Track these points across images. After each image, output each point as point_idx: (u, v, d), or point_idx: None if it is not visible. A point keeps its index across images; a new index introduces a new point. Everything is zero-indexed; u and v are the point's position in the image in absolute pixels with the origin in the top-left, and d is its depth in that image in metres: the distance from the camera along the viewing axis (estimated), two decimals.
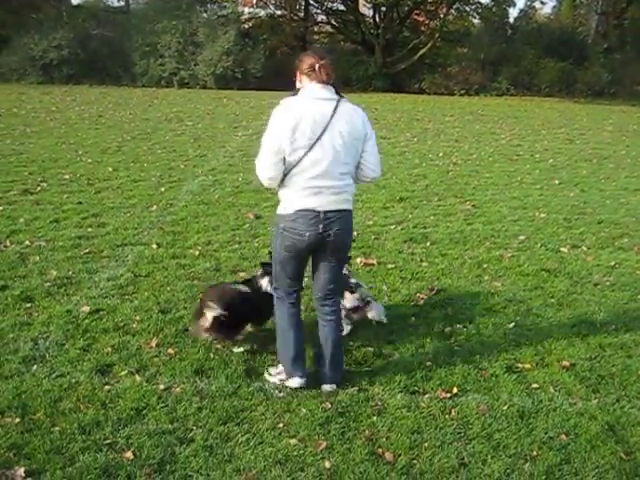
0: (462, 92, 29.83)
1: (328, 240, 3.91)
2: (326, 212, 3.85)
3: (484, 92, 30.07)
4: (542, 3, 57.18)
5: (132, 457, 3.43)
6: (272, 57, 30.08)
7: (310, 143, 3.76)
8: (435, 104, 24.46)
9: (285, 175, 3.86)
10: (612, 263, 6.76)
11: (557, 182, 10.75)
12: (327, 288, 4.14)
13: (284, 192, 3.94)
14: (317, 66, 3.82)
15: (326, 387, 4.14)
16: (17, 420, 3.69)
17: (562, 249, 7.17)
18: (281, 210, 3.97)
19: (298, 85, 3.95)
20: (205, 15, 30.55)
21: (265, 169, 3.88)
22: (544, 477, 3.39)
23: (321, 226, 3.86)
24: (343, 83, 29.51)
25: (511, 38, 34.18)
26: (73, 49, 26.86)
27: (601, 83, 31.18)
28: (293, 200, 3.90)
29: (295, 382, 4.13)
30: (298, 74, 3.92)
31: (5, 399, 3.89)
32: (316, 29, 37.37)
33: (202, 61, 27.28)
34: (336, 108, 3.82)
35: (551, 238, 7.56)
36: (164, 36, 27.64)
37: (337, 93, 3.92)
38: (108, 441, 3.55)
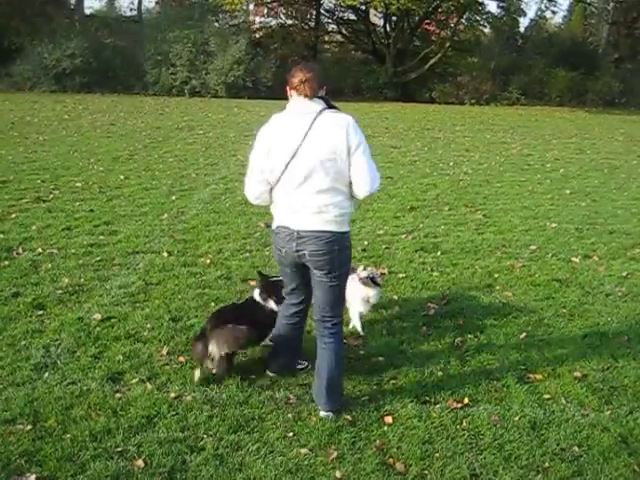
0: (473, 101, 29.79)
1: (305, 260, 3.87)
2: (299, 231, 3.80)
3: (495, 101, 30.02)
4: (553, 13, 57.10)
5: (143, 465, 3.44)
6: (283, 66, 30.04)
7: (286, 160, 3.73)
8: (446, 113, 24.45)
9: (271, 191, 3.88)
10: (624, 273, 6.72)
11: (568, 192, 10.71)
12: (322, 308, 4.01)
13: (272, 207, 4.00)
14: (303, 79, 3.76)
15: (322, 414, 3.98)
16: (29, 427, 3.71)
17: (573, 259, 7.14)
18: (272, 224, 4.04)
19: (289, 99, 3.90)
20: (217, 24, 30.68)
21: (249, 188, 3.96)
22: None
23: (294, 244, 3.83)
24: (353, 92, 29.65)
25: (522, 47, 34.20)
26: (86, 58, 26.96)
27: (612, 93, 31.09)
28: (275, 216, 3.97)
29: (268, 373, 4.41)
30: (288, 89, 3.86)
31: (17, 406, 3.91)
32: (327, 38, 37.44)
33: (213, 70, 27.37)
34: (313, 122, 3.73)
35: (562, 248, 7.53)
36: (176, 45, 27.76)
37: (328, 104, 3.87)
38: (119, 449, 3.56)
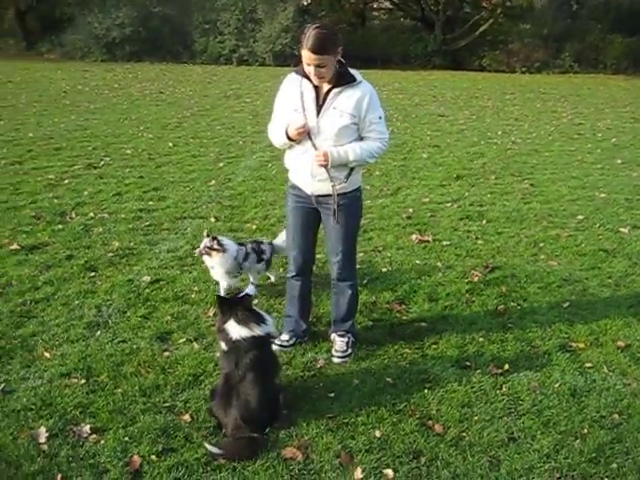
0: (524, 69, 29.09)
1: None
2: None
3: (547, 69, 29.25)
4: None
5: (189, 420, 3.58)
6: None
7: None
8: (495, 82, 23.98)
9: None
10: None
11: (619, 161, 10.46)
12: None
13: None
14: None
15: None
16: (82, 381, 3.89)
17: (622, 229, 7.02)
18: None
19: None
20: None
21: None
22: (594, 454, 3.39)
23: None
24: (402, 60, 29.26)
25: (576, 13, 33.06)
26: (135, 27, 27.23)
27: None
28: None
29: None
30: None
31: (71, 361, 4.10)
32: (375, 5, 36.94)
33: (261, 38, 27.32)
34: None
35: (611, 218, 7.41)
36: (223, 13, 27.78)
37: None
38: (167, 404, 3.71)
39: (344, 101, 3.84)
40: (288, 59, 27.04)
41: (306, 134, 3.88)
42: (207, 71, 24.07)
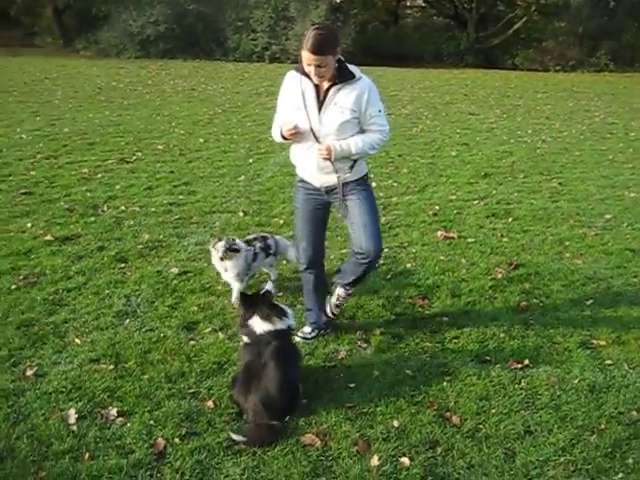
0: (557, 68, 28.79)
1: None
2: None
3: (581, 68, 28.91)
4: None
5: (213, 406, 3.69)
6: (363, 32, 29.91)
7: None
8: (528, 80, 23.78)
9: None
10: None
11: None
12: None
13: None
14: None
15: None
16: (111, 367, 4.03)
17: None
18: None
19: None
20: None
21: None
22: (610, 449, 3.42)
23: None
24: (434, 58, 29.17)
25: (613, 10, 32.54)
26: (169, 25, 27.52)
27: None
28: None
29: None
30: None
31: (101, 348, 4.24)
32: (408, 3, 36.85)
33: (293, 36, 27.40)
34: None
35: (639, 218, 7.36)
36: (256, 11, 27.96)
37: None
38: (192, 390, 3.83)
39: (344, 97, 3.97)
40: None
41: (309, 132, 4.02)
42: (239, 68, 24.27)
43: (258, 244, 5.13)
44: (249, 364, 3.70)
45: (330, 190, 4.22)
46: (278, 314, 3.86)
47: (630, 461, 3.33)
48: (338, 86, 3.97)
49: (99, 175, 8.46)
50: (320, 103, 4.00)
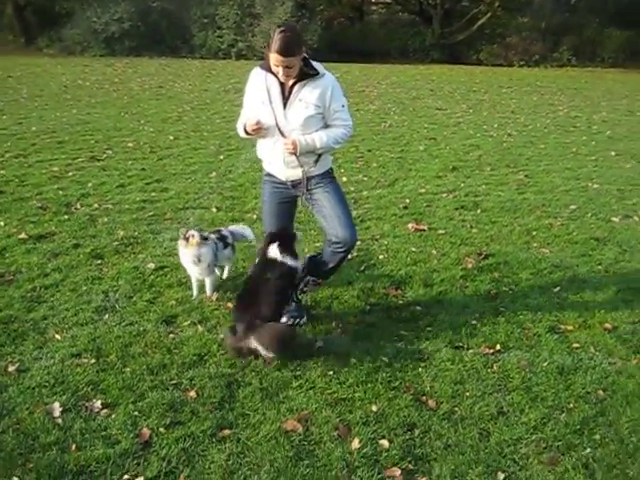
0: (521, 63, 29.26)
1: None
2: None
3: (544, 63, 29.43)
4: None
5: (195, 396, 3.77)
6: (328, 28, 30.04)
7: None
8: (492, 75, 24.15)
9: None
10: None
11: (613, 154, 10.66)
12: None
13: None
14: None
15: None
16: (93, 361, 4.08)
17: (613, 219, 7.21)
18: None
19: None
20: None
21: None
22: (578, 427, 3.58)
23: None
24: (400, 54, 29.40)
25: (575, 6, 33.14)
26: (134, 22, 27.32)
27: None
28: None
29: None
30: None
31: (82, 343, 4.28)
32: (373, 0, 37.08)
33: (259, 32, 27.44)
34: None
35: (603, 208, 7.60)
36: (222, 8, 27.93)
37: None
38: (174, 382, 3.90)
39: (309, 93, 4.12)
40: None
41: (275, 127, 4.16)
42: (206, 65, 24.23)
43: (214, 236, 5.10)
44: (251, 277, 4.45)
45: (297, 184, 4.36)
46: (292, 254, 4.36)
47: (597, 437, 3.50)
48: (302, 82, 4.11)
49: (70, 173, 8.43)
50: (285, 99, 4.14)
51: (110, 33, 27.08)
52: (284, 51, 3.91)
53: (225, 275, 5.38)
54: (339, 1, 33.32)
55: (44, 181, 8.03)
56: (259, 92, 4.19)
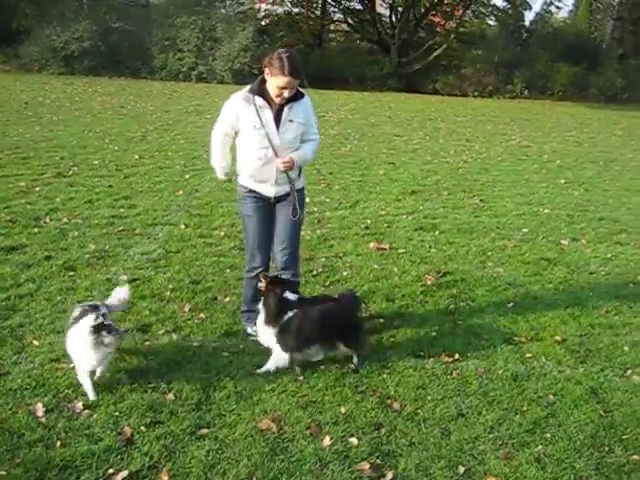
0: (476, 94, 30.27)
1: None
2: None
3: (498, 94, 30.49)
4: (557, 8, 57.24)
5: (173, 398, 3.96)
6: None
7: None
8: (448, 105, 24.91)
9: None
10: (609, 255, 7.22)
11: (563, 181, 11.20)
12: None
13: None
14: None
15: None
16: (71, 365, 4.19)
17: (562, 241, 7.63)
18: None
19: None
20: (223, 11, 31.05)
21: None
22: (531, 427, 3.88)
23: None
24: (358, 82, 30.04)
25: (526, 41, 34.55)
26: (94, 41, 27.37)
27: (614, 88, 31.56)
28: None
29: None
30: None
31: (59, 349, 4.39)
32: (332, 27, 37.87)
33: (220, 56, 27.81)
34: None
35: (553, 231, 8.04)
36: (183, 31, 28.22)
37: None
38: (152, 385, 4.08)
39: (297, 113, 4.46)
40: (247, 77, 27.53)
41: (270, 149, 4.43)
42: (167, 87, 24.40)
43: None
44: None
45: (281, 198, 4.62)
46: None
47: (548, 435, 3.81)
48: (290, 104, 4.38)
49: (37, 188, 8.51)
50: (277, 121, 4.39)
51: (70, 52, 27.05)
52: (295, 73, 4.22)
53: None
54: (299, 28, 33.99)
55: (11, 195, 8.10)
56: (249, 117, 4.38)
